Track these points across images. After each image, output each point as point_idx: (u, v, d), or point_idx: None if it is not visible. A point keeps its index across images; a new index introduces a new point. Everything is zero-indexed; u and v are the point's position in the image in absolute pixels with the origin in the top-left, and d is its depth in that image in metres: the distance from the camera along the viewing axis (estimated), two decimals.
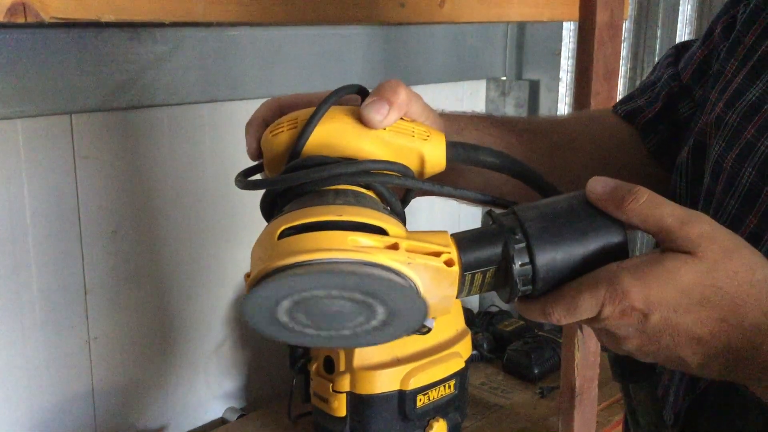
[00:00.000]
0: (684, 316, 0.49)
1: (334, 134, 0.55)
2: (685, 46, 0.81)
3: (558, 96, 1.83)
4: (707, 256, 0.48)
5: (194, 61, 1.31)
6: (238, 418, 1.44)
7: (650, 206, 0.50)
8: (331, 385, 1.21)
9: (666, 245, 0.50)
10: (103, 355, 1.30)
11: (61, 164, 1.20)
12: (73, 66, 1.17)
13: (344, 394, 1.20)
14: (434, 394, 1.25)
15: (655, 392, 0.64)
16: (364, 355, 1.20)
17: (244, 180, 0.57)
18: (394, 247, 0.48)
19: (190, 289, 1.40)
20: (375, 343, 0.49)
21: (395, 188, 0.57)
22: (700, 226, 0.49)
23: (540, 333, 1.64)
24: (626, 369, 0.62)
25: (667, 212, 0.50)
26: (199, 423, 1.46)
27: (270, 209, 0.56)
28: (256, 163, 0.62)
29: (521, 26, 1.88)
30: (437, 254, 0.49)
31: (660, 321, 0.49)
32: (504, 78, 1.90)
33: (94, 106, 1.21)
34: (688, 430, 0.65)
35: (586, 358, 1.24)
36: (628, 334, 0.50)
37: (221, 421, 1.47)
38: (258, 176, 0.61)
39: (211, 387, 1.47)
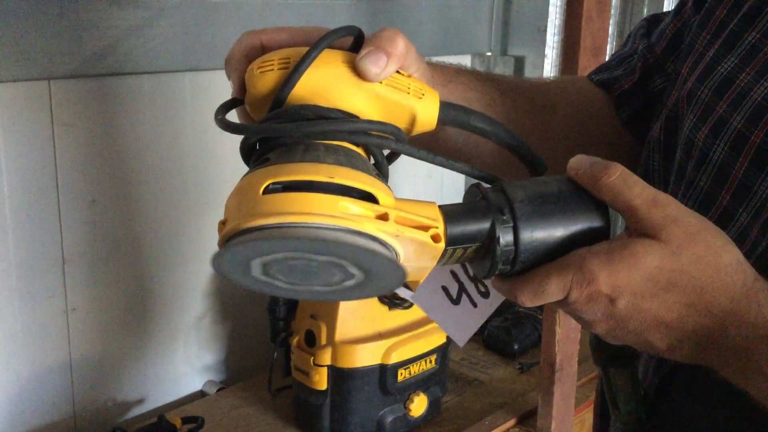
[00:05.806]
0: (650, 301, 0.48)
1: (326, 82, 0.51)
2: (656, 18, 0.80)
3: (543, 72, 1.83)
4: (671, 240, 0.48)
5: (176, 28, 1.28)
6: (218, 391, 1.44)
7: (622, 184, 0.49)
8: (312, 358, 1.21)
9: (632, 226, 0.50)
10: (81, 326, 1.28)
11: (40, 132, 1.17)
12: (51, 31, 1.14)
13: (325, 368, 1.20)
14: (415, 369, 1.25)
15: (636, 378, 0.64)
16: (345, 329, 1.20)
17: (225, 120, 0.52)
18: (384, 217, 0.46)
19: (170, 260, 1.39)
20: (345, 300, 0.49)
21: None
22: (665, 209, 0.49)
23: (521, 309, 1.65)
24: (608, 354, 0.62)
25: (637, 192, 0.49)
26: (178, 396, 1.45)
27: (251, 151, 0.52)
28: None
29: (507, 1, 1.87)
30: (425, 228, 0.48)
31: (627, 306, 0.49)
32: (489, 53, 1.89)
33: (73, 73, 1.18)
34: (658, 408, 0.66)
35: (567, 335, 1.24)
36: (596, 318, 0.50)
37: (200, 394, 1.47)
38: (238, 114, 0.56)
39: (190, 360, 1.46)
